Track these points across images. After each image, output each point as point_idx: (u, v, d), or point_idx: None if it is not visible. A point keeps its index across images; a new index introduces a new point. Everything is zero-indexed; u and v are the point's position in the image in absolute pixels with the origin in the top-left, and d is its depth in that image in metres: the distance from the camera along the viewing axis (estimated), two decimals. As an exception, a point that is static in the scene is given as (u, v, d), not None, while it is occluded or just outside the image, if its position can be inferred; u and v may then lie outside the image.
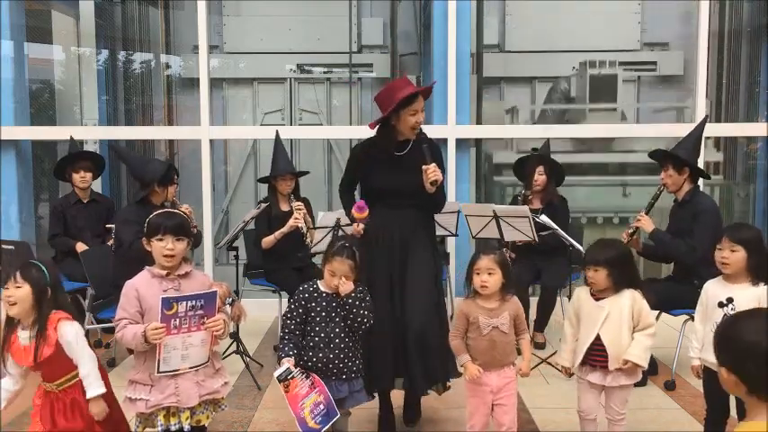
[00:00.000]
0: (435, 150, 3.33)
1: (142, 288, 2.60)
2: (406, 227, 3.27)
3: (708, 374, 2.84)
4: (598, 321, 2.86)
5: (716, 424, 2.90)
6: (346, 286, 2.82)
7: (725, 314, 2.74)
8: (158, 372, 2.54)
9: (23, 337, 2.51)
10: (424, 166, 3.15)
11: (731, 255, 2.77)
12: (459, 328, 2.91)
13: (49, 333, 2.48)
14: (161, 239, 2.59)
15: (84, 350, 2.53)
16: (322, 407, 2.73)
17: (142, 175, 4.34)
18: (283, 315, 2.92)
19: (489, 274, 2.82)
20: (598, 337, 2.86)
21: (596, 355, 2.88)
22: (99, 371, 2.58)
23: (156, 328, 2.47)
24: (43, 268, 2.52)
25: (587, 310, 2.92)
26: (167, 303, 2.50)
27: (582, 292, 2.99)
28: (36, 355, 2.46)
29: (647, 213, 4.14)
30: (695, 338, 2.90)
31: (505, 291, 2.87)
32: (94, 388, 2.53)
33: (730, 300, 2.76)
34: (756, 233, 2.86)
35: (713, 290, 2.85)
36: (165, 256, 2.58)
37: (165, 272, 2.61)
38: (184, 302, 2.53)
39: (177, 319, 2.52)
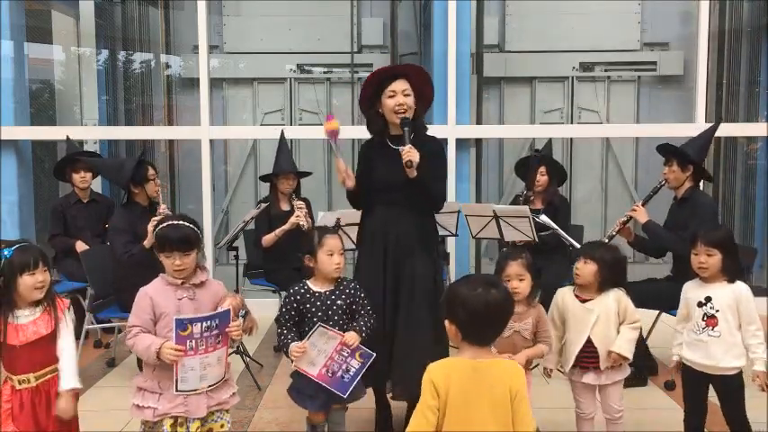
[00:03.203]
0: (435, 145, 3.28)
1: (156, 296, 2.56)
2: (402, 226, 3.19)
3: (687, 372, 2.94)
4: (587, 324, 2.88)
5: (695, 420, 2.98)
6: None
7: (705, 314, 2.84)
8: (177, 390, 2.49)
9: (23, 315, 2.48)
10: (400, 147, 3.07)
11: (708, 259, 2.83)
12: None
13: (59, 312, 2.52)
14: (168, 256, 2.55)
15: (72, 337, 2.54)
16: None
17: (116, 179, 4.33)
18: (277, 319, 2.89)
19: (520, 280, 2.81)
20: (589, 340, 2.87)
21: (587, 357, 2.90)
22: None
23: (173, 349, 2.43)
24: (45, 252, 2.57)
25: (574, 312, 2.93)
26: (181, 325, 2.44)
27: (566, 294, 2.99)
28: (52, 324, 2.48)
29: (643, 205, 4.17)
30: (678, 337, 2.99)
31: (532, 296, 2.87)
32: (72, 381, 2.48)
33: (709, 299, 2.84)
34: (728, 233, 2.93)
35: (692, 291, 2.93)
36: (175, 270, 2.57)
37: (179, 281, 2.58)
38: (199, 324, 2.47)
39: (193, 341, 2.46)
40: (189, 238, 2.57)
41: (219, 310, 2.56)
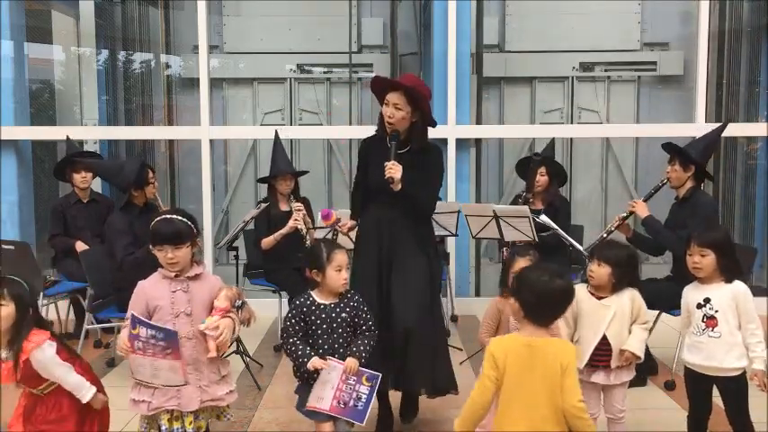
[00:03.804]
0: (433, 154, 3.28)
1: (151, 289, 2.61)
2: (394, 228, 3.21)
3: (690, 375, 2.93)
4: (604, 321, 2.86)
5: (699, 422, 2.99)
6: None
7: (704, 315, 2.82)
8: (133, 375, 2.57)
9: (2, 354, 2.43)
10: (385, 163, 3.11)
11: (702, 260, 2.82)
12: (490, 327, 2.95)
13: (24, 353, 2.40)
14: (161, 249, 2.59)
15: (59, 369, 2.48)
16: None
17: (117, 182, 4.36)
18: (283, 330, 2.85)
19: None
20: (604, 337, 2.87)
21: (599, 356, 2.89)
22: (85, 374, 2.58)
23: (123, 342, 2.50)
24: (26, 286, 2.47)
25: (590, 309, 2.91)
26: (133, 322, 2.49)
27: (580, 291, 2.95)
28: (16, 372, 2.40)
29: (644, 201, 4.20)
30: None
31: None
32: (86, 391, 2.54)
33: (707, 300, 2.83)
34: (723, 234, 2.91)
35: (691, 294, 2.92)
36: (168, 263, 2.60)
37: (173, 274, 2.61)
38: (145, 329, 2.48)
39: (140, 342, 2.48)
40: (180, 233, 2.60)
41: (167, 328, 2.52)
